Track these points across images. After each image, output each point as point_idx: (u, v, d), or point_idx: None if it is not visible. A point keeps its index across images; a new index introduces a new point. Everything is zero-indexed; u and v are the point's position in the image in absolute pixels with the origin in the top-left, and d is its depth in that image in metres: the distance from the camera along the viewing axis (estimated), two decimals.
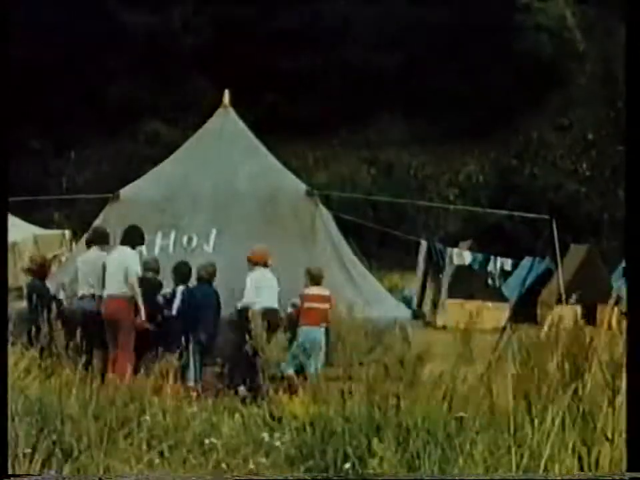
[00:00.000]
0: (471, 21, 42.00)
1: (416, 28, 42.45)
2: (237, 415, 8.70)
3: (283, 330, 10.81)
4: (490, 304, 21.51)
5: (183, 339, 11.98)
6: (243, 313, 12.00)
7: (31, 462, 6.67)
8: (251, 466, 6.93)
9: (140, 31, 42.89)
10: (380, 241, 30.46)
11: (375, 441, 6.40)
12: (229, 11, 42.40)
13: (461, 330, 13.73)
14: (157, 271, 13.10)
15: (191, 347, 12.39)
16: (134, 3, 42.84)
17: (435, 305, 23.63)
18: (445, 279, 22.93)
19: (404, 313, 14.67)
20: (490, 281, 22.52)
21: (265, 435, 7.42)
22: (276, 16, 42.45)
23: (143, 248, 14.04)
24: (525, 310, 20.38)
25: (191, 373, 12.31)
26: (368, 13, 43.50)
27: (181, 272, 13.00)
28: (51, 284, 13.42)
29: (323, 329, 12.56)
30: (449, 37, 42.05)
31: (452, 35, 42.02)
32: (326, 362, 11.78)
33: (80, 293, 12.84)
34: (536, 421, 5.69)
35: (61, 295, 13.32)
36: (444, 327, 19.76)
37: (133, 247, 12.93)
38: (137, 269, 12.57)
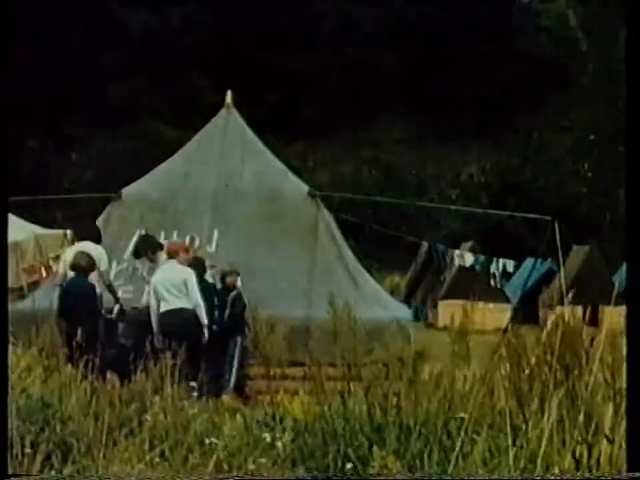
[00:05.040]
0: (471, 21, 42.01)
1: (416, 28, 42.46)
2: (238, 415, 8.71)
3: None
4: (492, 305, 21.51)
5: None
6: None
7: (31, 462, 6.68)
8: (252, 466, 6.94)
9: (140, 31, 42.93)
10: (381, 242, 30.45)
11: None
12: (229, 11, 42.41)
13: (462, 331, 13.73)
14: None
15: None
16: (134, 3, 42.88)
17: (433, 305, 23.65)
18: (447, 280, 22.95)
19: (404, 313, 14.68)
20: (492, 282, 22.54)
21: (266, 435, 7.42)
22: (276, 16, 42.47)
23: None
24: (527, 310, 20.39)
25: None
26: (368, 12, 43.51)
27: None
28: None
29: None
30: (450, 36, 42.06)
31: (453, 35, 42.03)
32: None
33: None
34: (536, 422, 5.69)
35: None
36: (445, 328, 19.74)
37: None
38: None
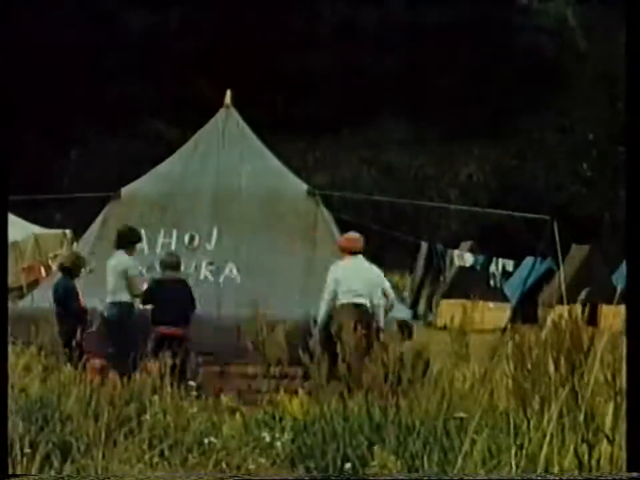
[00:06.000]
0: (471, 21, 42.00)
1: (416, 28, 42.45)
2: (237, 415, 8.70)
3: None
4: (491, 304, 21.49)
5: None
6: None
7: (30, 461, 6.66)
8: (251, 465, 6.93)
9: (140, 31, 42.90)
10: (380, 242, 30.45)
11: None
12: (229, 11, 42.39)
13: (462, 330, 13.72)
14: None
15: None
16: (134, 2, 42.85)
17: (436, 305, 23.62)
18: (447, 280, 22.94)
19: (404, 312, 14.66)
20: (491, 282, 22.54)
21: (265, 435, 7.41)
22: (276, 16, 42.44)
23: (145, 246, 14.07)
24: (526, 310, 20.38)
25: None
26: (368, 12, 43.49)
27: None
28: None
29: None
30: (450, 37, 42.04)
31: (453, 35, 42.02)
32: None
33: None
34: (536, 422, 5.68)
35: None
36: (444, 328, 19.73)
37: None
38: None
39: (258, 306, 12.81)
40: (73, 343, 10.88)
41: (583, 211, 39.29)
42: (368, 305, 12.02)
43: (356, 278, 12.07)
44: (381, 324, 12.01)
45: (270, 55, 41.08)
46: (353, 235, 12.76)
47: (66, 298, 12.40)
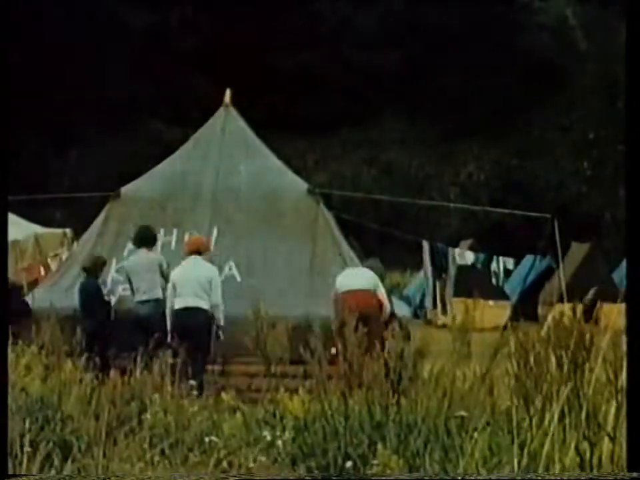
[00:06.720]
0: (471, 20, 41.99)
1: (416, 27, 42.44)
2: (237, 414, 8.70)
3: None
4: (492, 302, 21.51)
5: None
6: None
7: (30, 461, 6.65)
8: (252, 464, 6.93)
9: (140, 30, 42.89)
10: (381, 240, 30.44)
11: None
12: (229, 11, 42.38)
13: (462, 328, 13.72)
14: None
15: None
16: (134, 2, 42.84)
17: (436, 303, 23.63)
18: (450, 278, 22.95)
19: (404, 311, 14.68)
20: (493, 279, 22.54)
21: (266, 434, 7.41)
22: (276, 15, 42.43)
23: None
24: (526, 308, 20.38)
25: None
26: (368, 12, 43.48)
27: None
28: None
29: None
30: (450, 36, 42.04)
31: (452, 35, 42.01)
32: None
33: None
34: (537, 420, 5.68)
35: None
36: (444, 326, 19.74)
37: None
38: None
39: (258, 304, 12.85)
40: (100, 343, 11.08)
41: (583, 209, 39.30)
42: (206, 307, 11.99)
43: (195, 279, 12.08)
44: (221, 322, 12.06)
45: (270, 54, 41.06)
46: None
47: (91, 298, 12.54)
